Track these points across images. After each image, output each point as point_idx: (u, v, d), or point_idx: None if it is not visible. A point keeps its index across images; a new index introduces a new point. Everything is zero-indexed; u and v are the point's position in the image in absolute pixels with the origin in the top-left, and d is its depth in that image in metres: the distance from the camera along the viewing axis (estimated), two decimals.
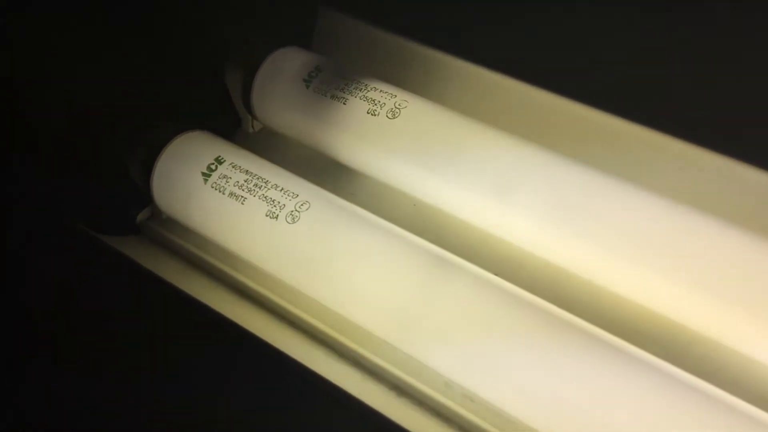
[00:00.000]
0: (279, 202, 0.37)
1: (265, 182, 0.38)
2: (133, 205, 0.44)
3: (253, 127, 0.47)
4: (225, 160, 0.39)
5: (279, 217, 0.37)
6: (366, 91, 0.42)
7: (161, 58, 0.44)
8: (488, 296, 0.35)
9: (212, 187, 0.39)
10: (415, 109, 0.41)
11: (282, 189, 0.38)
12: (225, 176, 0.39)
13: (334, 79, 0.43)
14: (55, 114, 0.42)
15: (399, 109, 0.41)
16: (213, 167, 0.39)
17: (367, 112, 0.41)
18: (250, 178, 0.39)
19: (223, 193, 0.38)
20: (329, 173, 0.43)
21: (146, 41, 0.43)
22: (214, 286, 0.40)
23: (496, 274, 0.36)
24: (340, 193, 0.40)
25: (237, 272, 0.40)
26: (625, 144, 0.42)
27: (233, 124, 0.48)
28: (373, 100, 0.41)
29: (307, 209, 0.37)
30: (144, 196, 0.43)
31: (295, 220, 0.37)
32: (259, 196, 0.38)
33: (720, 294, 0.35)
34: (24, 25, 0.40)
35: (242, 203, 0.38)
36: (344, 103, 0.42)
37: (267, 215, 0.37)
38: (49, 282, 0.41)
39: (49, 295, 0.41)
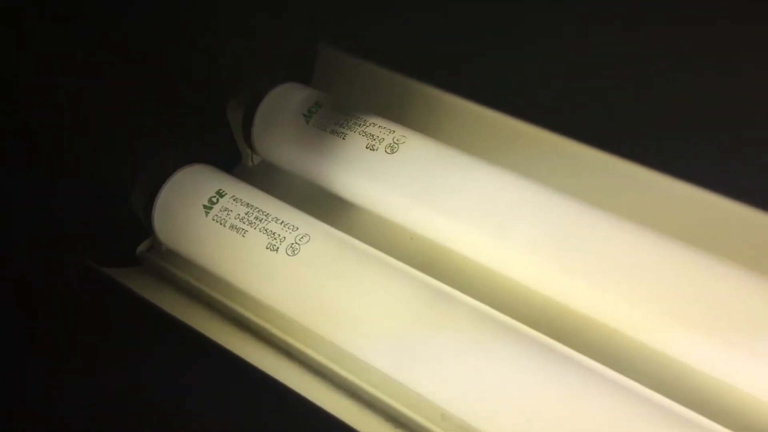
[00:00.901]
0: (279, 235, 0.38)
1: (266, 215, 0.39)
2: (133, 237, 0.44)
3: (252, 161, 0.48)
4: (226, 193, 0.40)
5: (279, 250, 0.38)
6: (365, 126, 0.43)
7: (164, 94, 0.45)
8: (485, 328, 0.35)
9: (213, 220, 0.39)
10: (413, 144, 0.42)
11: (282, 222, 0.39)
12: (226, 209, 0.39)
13: (334, 114, 0.43)
14: (57, 145, 0.43)
15: (397, 144, 0.42)
16: (214, 200, 0.40)
17: (366, 147, 0.42)
18: (251, 211, 0.39)
19: (224, 226, 0.39)
20: (328, 207, 0.44)
21: (149, 77, 0.44)
22: (213, 317, 0.41)
23: (491, 307, 0.37)
24: (338, 226, 0.40)
25: (236, 304, 0.40)
26: (620, 180, 0.43)
27: (233, 158, 0.48)
28: (372, 135, 0.42)
29: (307, 242, 0.38)
30: (144, 228, 0.43)
31: (295, 252, 0.38)
32: (260, 229, 0.38)
33: (719, 330, 0.35)
34: (29, 55, 0.41)
35: (243, 236, 0.39)
36: (343, 138, 0.43)
37: (267, 248, 0.38)
38: (49, 311, 0.42)
39: (50, 323, 0.41)
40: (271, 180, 0.47)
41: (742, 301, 0.35)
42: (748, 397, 0.36)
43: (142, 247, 0.44)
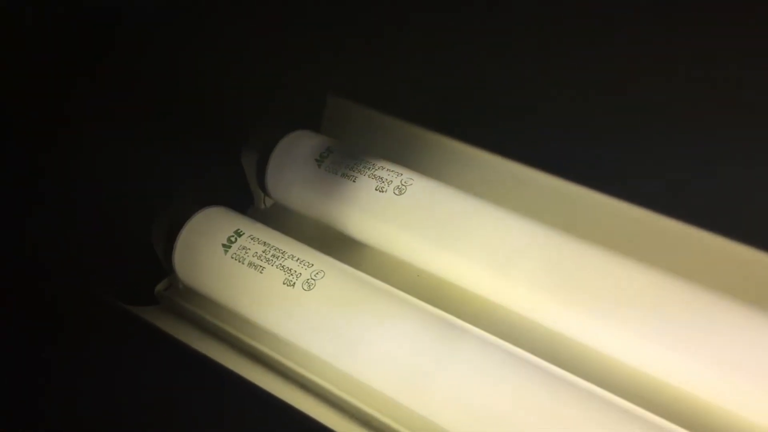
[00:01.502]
0: (295, 271, 0.40)
1: (282, 253, 0.41)
2: (152, 277, 0.46)
3: (264, 203, 0.50)
4: (244, 233, 0.42)
5: (296, 285, 0.40)
6: (374, 169, 0.45)
7: (184, 142, 0.48)
8: (495, 357, 0.37)
9: (232, 258, 0.42)
10: (420, 187, 0.44)
11: (298, 259, 0.41)
12: (244, 247, 0.42)
13: (344, 159, 0.46)
14: (81, 190, 0.45)
15: (405, 186, 0.44)
16: (233, 239, 0.42)
17: (376, 189, 0.44)
18: (268, 249, 0.41)
19: (243, 263, 0.41)
20: (339, 246, 0.46)
21: (173, 127, 0.47)
22: (231, 351, 0.42)
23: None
24: (349, 264, 0.42)
25: (254, 339, 0.42)
26: (614, 219, 0.45)
27: (246, 201, 0.51)
28: (381, 178, 0.45)
29: (322, 277, 0.40)
30: (162, 268, 0.45)
31: (311, 287, 0.40)
32: (277, 266, 0.41)
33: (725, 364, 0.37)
34: (50, 109, 0.43)
35: (261, 272, 0.41)
36: (354, 181, 0.45)
37: (284, 283, 0.40)
38: (70, 345, 0.43)
39: (70, 357, 0.43)
40: (283, 221, 0.49)
41: (749, 339, 0.37)
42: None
43: (160, 286, 0.46)
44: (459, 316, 0.40)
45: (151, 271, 0.46)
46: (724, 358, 0.37)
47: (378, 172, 0.45)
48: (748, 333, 0.37)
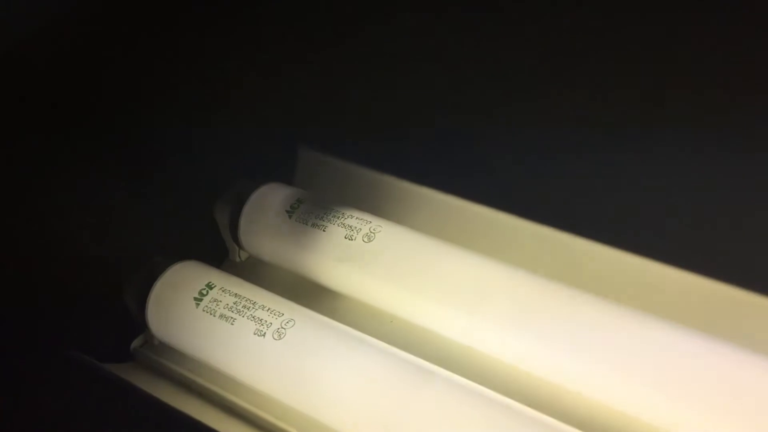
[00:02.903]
0: (266, 321, 0.41)
1: (253, 303, 0.42)
2: (127, 333, 0.46)
3: (239, 256, 0.51)
4: (215, 285, 0.43)
5: (266, 335, 0.40)
6: (343, 218, 0.46)
7: (155, 199, 0.48)
8: (464, 399, 0.37)
9: (204, 311, 0.42)
10: (389, 233, 0.45)
11: (268, 309, 0.41)
12: (215, 300, 0.42)
13: (314, 209, 0.47)
14: (52, 250, 0.45)
15: (374, 233, 0.45)
16: (204, 292, 0.43)
17: (345, 237, 0.45)
18: (239, 300, 0.42)
19: (214, 315, 0.42)
20: (312, 295, 0.47)
21: (143, 180, 0.48)
22: (206, 406, 0.42)
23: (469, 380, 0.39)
24: (322, 312, 0.43)
25: (227, 391, 0.42)
26: (581, 259, 0.46)
27: (221, 254, 0.51)
28: (350, 227, 0.45)
29: (292, 326, 0.40)
30: (137, 324, 0.46)
31: (282, 336, 0.40)
32: (248, 317, 0.41)
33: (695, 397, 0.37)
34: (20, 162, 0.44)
35: (232, 323, 0.41)
36: (324, 230, 0.46)
37: (255, 333, 0.40)
38: (44, 405, 0.43)
39: (44, 417, 0.43)
40: (258, 273, 0.49)
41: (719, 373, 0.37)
42: None
43: (136, 343, 0.46)
44: (433, 360, 0.40)
45: (127, 327, 0.46)
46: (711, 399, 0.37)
47: (347, 221, 0.46)
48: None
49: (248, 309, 0.41)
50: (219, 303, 0.42)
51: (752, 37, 0.41)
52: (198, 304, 0.42)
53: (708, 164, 0.44)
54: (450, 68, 0.50)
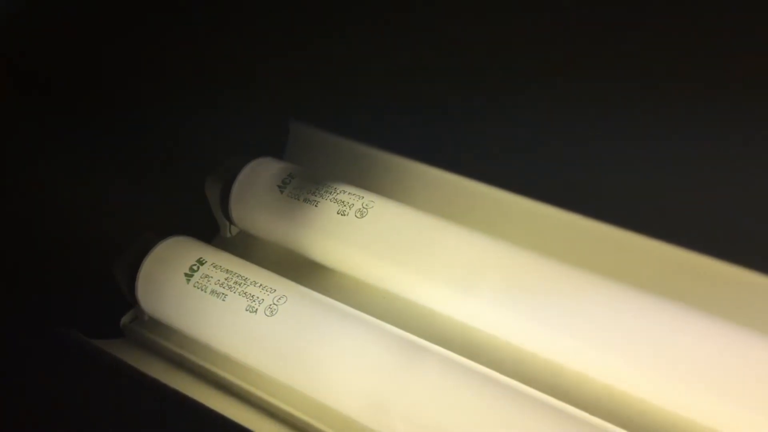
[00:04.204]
0: (258, 297, 0.40)
1: (245, 279, 0.41)
2: (117, 310, 0.46)
3: (230, 232, 0.51)
4: (206, 261, 0.42)
5: (258, 311, 0.40)
6: (335, 193, 0.45)
7: (146, 175, 0.48)
8: (457, 376, 0.37)
9: (195, 287, 0.42)
10: (381, 209, 0.44)
11: (260, 285, 0.41)
12: (207, 276, 0.42)
13: (306, 184, 0.46)
14: (43, 225, 0.45)
15: (366, 209, 0.45)
16: (195, 268, 0.42)
17: (337, 213, 0.45)
18: (230, 276, 0.41)
19: (205, 292, 0.41)
20: (303, 271, 0.46)
21: (133, 157, 0.47)
22: (197, 382, 0.42)
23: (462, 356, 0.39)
24: (314, 288, 0.42)
25: (219, 367, 0.42)
26: (576, 235, 0.45)
27: (212, 230, 0.51)
28: (343, 202, 0.45)
29: (284, 303, 0.40)
30: (127, 301, 0.45)
31: (274, 313, 0.40)
32: (239, 293, 0.41)
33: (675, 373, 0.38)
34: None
35: (223, 300, 0.41)
36: (316, 206, 0.45)
37: (247, 310, 0.40)
38: (34, 381, 0.43)
39: (34, 393, 0.42)
40: (249, 248, 0.49)
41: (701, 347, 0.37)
42: None
43: (126, 319, 0.46)
44: (425, 336, 0.40)
45: (117, 303, 0.46)
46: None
47: (339, 196, 0.45)
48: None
49: (240, 285, 0.41)
50: (210, 279, 0.41)
51: None
52: (189, 280, 0.42)
53: (693, 139, 0.43)
54: (443, 43, 0.49)
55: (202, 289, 0.41)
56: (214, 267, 0.42)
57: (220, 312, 0.40)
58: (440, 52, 0.49)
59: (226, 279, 0.41)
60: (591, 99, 0.46)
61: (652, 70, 0.44)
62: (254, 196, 0.47)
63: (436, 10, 0.48)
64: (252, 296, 0.40)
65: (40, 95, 0.44)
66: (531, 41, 0.46)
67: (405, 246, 0.43)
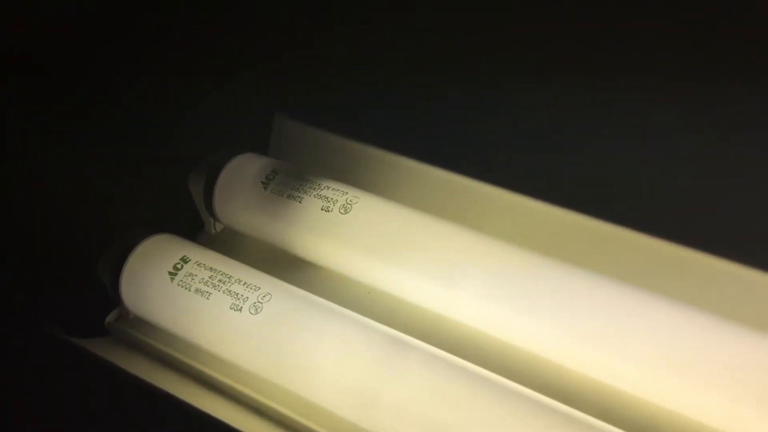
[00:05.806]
0: (242, 295, 0.40)
1: (229, 277, 0.41)
2: (101, 308, 0.46)
3: (215, 228, 0.50)
4: (190, 259, 0.42)
5: (243, 309, 0.40)
6: (319, 189, 0.45)
7: (129, 172, 0.48)
8: (441, 372, 0.37)
9: (179, 285, 0.41)
10: (366, 204, 0.44)
11: (245, 283, 0.41)
12: (191, 274, 0.42)
13: (290, 180, 0.46)
14: (27, 223, 0.44)
15: (350, 204, 0.44)
16: (179, 266, 0.42)
17: (321, 209, 0.45)
18: (215, 274, 0.41)
19: (189, 290, 0.41)
20: (288, 267, 0.46)
21: (117, 158, 0.47)
22: (183, 380, 0.42)
23: (447, 351, 0.39)
24: (299, 285, 0.42)
25: (204, 365, 0.42)
26: (560, 230, 0.45)
27: (196, 226, 0.51)
28: (327, 198, 0.45)
29: (268, 300, 0.40)
30: (112, 299, 0.45)
31: (258, 310, 0.40)
32: (224, 291, 0.41)
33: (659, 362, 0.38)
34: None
35: (207, 298, 0.41)
36: (300, 202, 0.45)
37: (231, 308, 0.40)
38: (20, 381, 0.42)
39: (20, 393, 0.42)
40: (233, 245, 0.49)
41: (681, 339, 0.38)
42: None
43: (110, 317, 0.46)
44: (409, 330, 0.40)
45: (102, 301, 0.46)
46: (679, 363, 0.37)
47: (323, 192, 0.45)
48: None
49: (224, 283, 0.41)
50: (194, 277, 0.41)
51: None
52: (173, 279, 0.42)
53: (687, 135, 0.43)
54: (429, 38, 0.49)
55: (186, 288, 0.41)
56: (198, 265, 0.42)
57: (205, 311, 0.40)
58: (422, 46, 0.49)
59: (210, 277, 0.41)
60: (577, 91, 0.46)
61: (652, 70, 0.44)
62: (238, 193, 0.47)
63: (420, 4, 0.48)
64: (236, 294, 0.40)
65: (22, 93, 0.44)
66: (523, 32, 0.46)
67: (389, 241, 0.43)
